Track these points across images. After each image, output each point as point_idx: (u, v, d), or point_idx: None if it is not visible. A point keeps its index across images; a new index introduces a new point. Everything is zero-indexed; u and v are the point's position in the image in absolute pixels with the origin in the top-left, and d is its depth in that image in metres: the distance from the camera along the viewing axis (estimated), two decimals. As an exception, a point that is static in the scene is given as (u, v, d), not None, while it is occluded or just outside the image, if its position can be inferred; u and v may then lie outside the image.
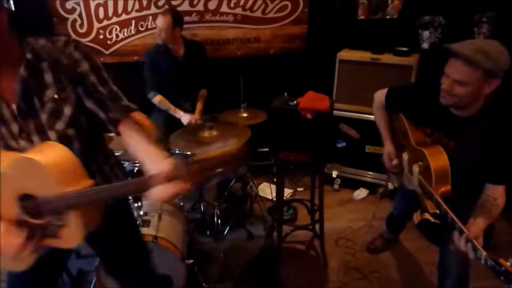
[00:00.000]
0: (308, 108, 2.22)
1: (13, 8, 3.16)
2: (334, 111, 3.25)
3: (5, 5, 1.24)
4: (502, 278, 1.31)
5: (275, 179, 3.15)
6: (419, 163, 1.78)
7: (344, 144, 3.47)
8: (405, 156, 1.94)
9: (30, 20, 3.21)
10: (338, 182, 3.57)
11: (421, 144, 1.78)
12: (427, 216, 2.92)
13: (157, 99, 3.04)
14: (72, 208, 1.18)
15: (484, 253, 1.38)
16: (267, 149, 3.53)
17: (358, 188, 3.51)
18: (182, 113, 3.02)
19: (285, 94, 2.44)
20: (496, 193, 1.62)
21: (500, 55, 1.49)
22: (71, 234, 1.21)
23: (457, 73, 1.52)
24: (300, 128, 2.29)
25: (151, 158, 1.19)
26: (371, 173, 3.44)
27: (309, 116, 2.23)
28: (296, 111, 2.26)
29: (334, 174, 3.58)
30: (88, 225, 1.24)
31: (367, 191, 3.48)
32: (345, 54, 3.25)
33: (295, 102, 2.33)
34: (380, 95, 2.04)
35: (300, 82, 3.30)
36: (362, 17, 3.43)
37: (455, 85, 1.54)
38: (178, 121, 3.00)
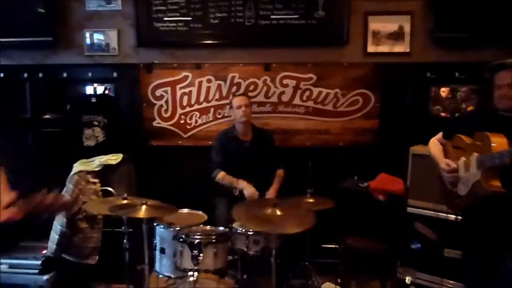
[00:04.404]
0: (380, 189, 2.12)
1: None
2: (408, 208, 3.05)
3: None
4: None
5: (339, 280, 2.90)
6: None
7: (419, 245, 3.13)
8: (461, 160, 2.09)
9: (122, 105, 3.66)
10: (413, 290, 3.15)
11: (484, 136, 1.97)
12: None
13: (220, 175, 3.14)
14: None
15: None
16: (333, 246, 3.35)
17: (437, 299, 3.06)
18: (245, 184, 3.05)
19: (355, 177, 2.36)
20: None
21: None
22: None
23: (508, 78, 1.89)
24: (371, 211, 2.15)
25: None
26: (451, 281, 3.01)
27: (381, 198, 2.11)
28: (367, 192, 2.16)
29: (408, 280, 3.17)
30: None
31: (448, 303, 3.01)
32: (419, 149, 3.14)
33: (365, 184, 2.23)
34: (434, 137, 2.36)
35: (369, 174, 3.20)
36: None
37: (509, 89, 1.89)
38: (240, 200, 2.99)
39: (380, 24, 3.44)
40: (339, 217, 2.89)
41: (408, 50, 3.44)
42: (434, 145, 2.34)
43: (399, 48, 3.44)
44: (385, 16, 3.43)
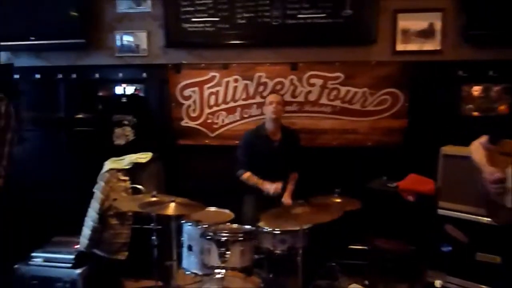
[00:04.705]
0: (409, 189, 2.07)
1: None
2: (439, 210, 2.98)
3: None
4: None
5: (366, 282, 2.87)
6: None
7: (449, 248, 3.05)
8: (510, 169, 1.99)
9: (152, 105, 3.74)
10: (443, 294, 3.07)
11: None
12: None
13: (245, 176, 3.17)
14: None
15: None
16: (360, 247, 3.31)
17: (468, 304, 2.97)
18: (268, 184, 3.07)
19: (384, 177, 2.33)
20: None
21: None
22: None
23: None
24: (400, 212, 2.12)
25: None
26: (484, 286, 2.91)
27: (410, 198, 2.07)
28: (395, 193, 2.13)
29: (438, 283, 3.09)
30: None
31: (480, 308, 2.91)
32: (450, 149, 3.06)
33: (394, 184, 2.20)
34: (477, 141, 2.20)
35: (398, 175, 3.14)
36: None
37: None
38: (269, 202, 3.00)
39: (410, 22, 3.37)
40: (367, 218, 2.86)
41: (439, 48, 3.35)
42: (477, 150, 2.15)
43: (430, 46, 3.36)
44: (415, 14, 3.36)
